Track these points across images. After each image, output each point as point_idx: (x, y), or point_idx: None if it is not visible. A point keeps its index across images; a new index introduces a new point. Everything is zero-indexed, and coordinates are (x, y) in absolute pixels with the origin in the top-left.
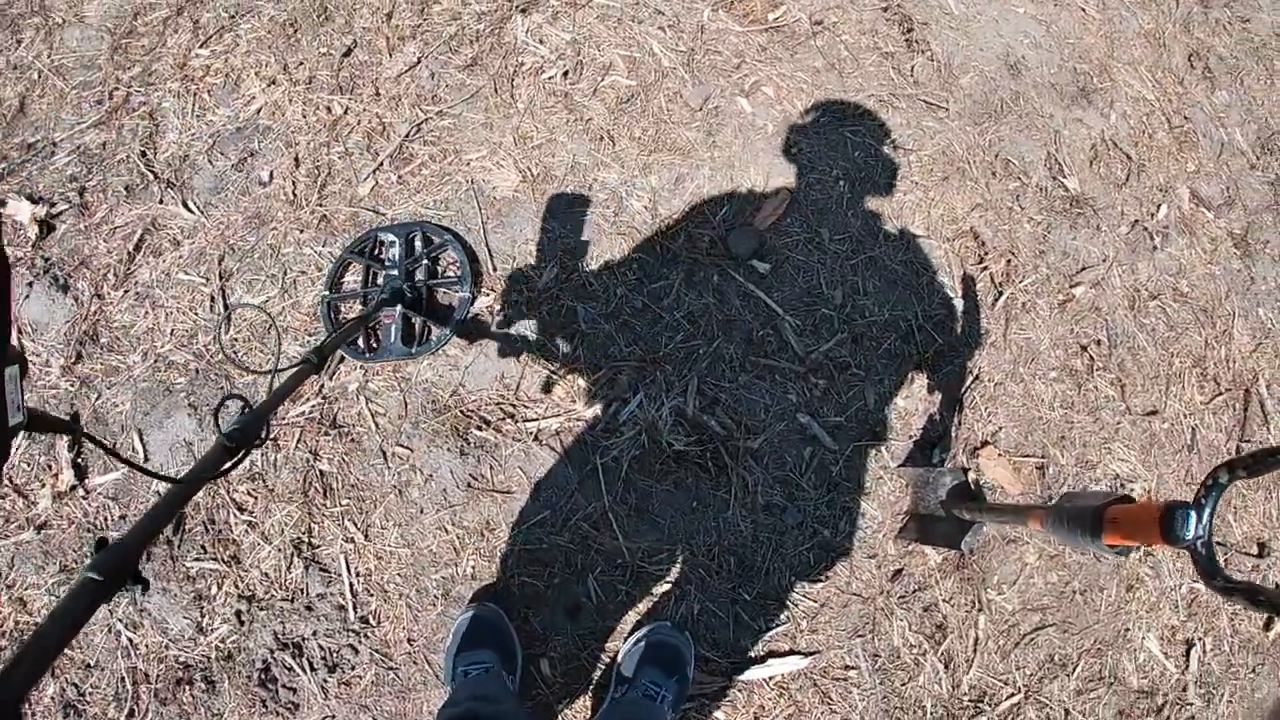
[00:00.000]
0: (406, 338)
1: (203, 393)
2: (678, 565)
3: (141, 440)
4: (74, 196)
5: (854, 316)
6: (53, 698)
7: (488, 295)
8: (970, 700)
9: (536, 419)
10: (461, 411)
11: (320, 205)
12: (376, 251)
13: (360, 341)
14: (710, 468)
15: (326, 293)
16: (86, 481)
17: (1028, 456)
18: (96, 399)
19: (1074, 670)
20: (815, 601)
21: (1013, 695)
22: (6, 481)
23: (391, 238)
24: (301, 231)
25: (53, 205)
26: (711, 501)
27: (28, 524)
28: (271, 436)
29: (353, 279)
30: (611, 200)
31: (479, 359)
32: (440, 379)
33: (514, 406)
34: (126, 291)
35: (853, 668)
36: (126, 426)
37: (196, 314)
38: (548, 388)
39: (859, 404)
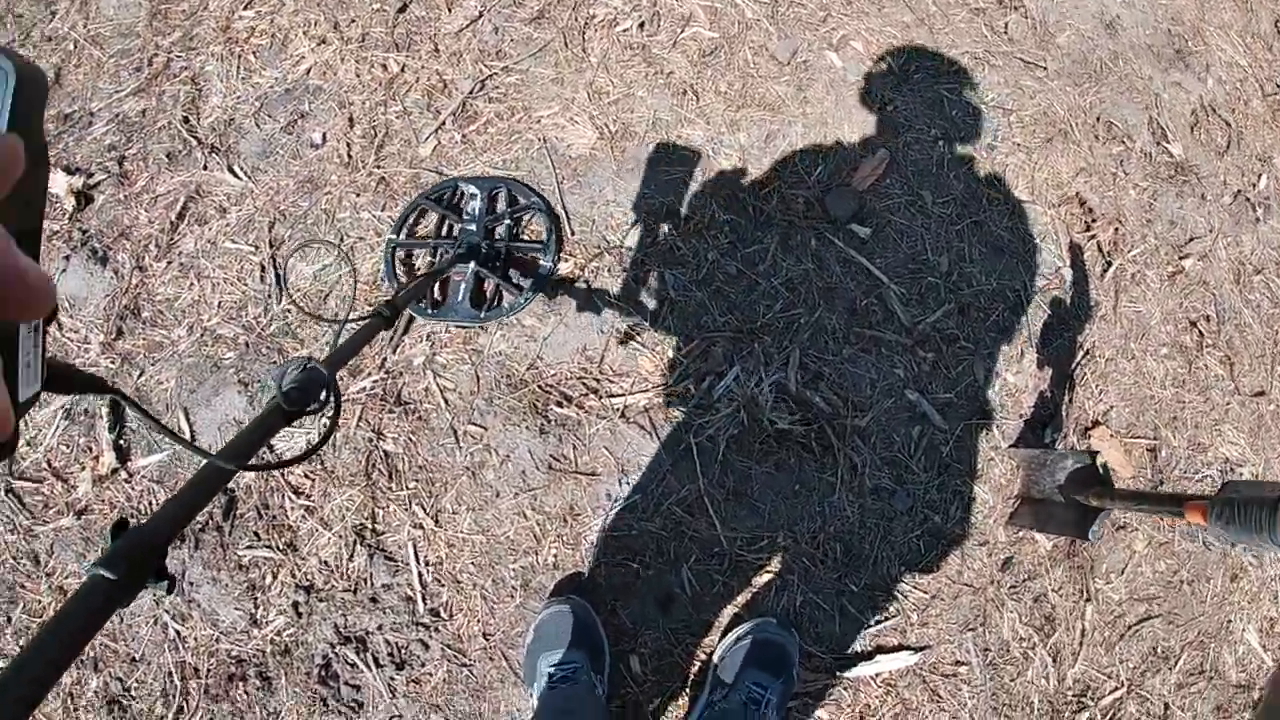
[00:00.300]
0: (475, 300)
1: (253, 369)
2: (779, 554)
3: (188, 419)
4: (113, 166)
5: (960, 285)
6: (96, 692)
7: (567, 260)
8: (1074, 695)
9: (623, 394)
10: (540, 386)
11: (378, 167)
12: (456, 201)
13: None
14: (815, 448)
15: (394, 236)
16: (129, 464)
17: (1139, 438)
18: (139, 376)
19: (1176, 663)
20: (925, 593)
21: (1115, 690)
22: (45, 466)
23: (474, 190)
24: (358, 195)
25: (90, 176)
26: (816, 485)
27: (67, 509)
28: (337, 404)
29: (412, 243)
30: (698, 158)
31: (558, 330)
32: (515, 351)
33: (598, 381)
34: (170, 263)
35: (963, 663)
36: (172, 405)
37: (246, 284)
38: (634, 361)
39: (968, 379)
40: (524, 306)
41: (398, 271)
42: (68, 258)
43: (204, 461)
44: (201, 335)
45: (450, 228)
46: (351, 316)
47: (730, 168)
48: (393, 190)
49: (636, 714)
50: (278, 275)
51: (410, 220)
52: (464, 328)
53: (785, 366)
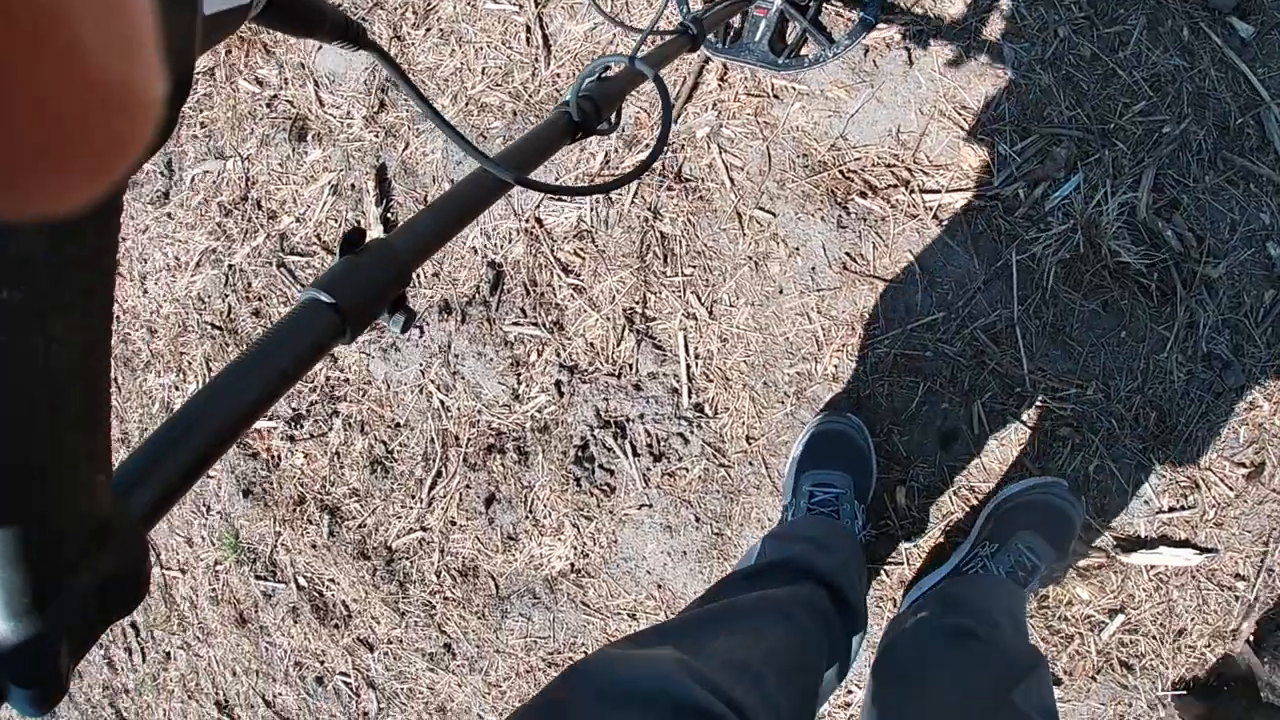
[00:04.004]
0: (774, 44)
1: None
2: (1086, 408)
3: None
4: None
5: None
6: (361, 452)
7: (887, 23)
8: None
9: (938, 191)
10: (841, 172)
11: None
12: None
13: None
14: (1154, 292)
15: None
16: None
17: None
18: (404, 149)
19: None
20: (1230, 489)
21: None
22: (314, 239)
23: None
24: None
25: None
26: (1145, 336)
27: None
28: (666, 107)
29: None
30: None
31: (868, 105)
32: (816, 128)
33: (910, 172)
34: (429, 30)
35: (1243, 578)
36: (438, 177)
37: (510, 48)
38: (956, 151)
39: None
40: (829, 61)
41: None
42: None
43: (470, 236)
44: (466, 104)
45: None
46: (656, 29)
47: None
48: None
49: (890, 547)
50: (544, 36)
51: None
52: (761, 70)
53: (1137, 186)
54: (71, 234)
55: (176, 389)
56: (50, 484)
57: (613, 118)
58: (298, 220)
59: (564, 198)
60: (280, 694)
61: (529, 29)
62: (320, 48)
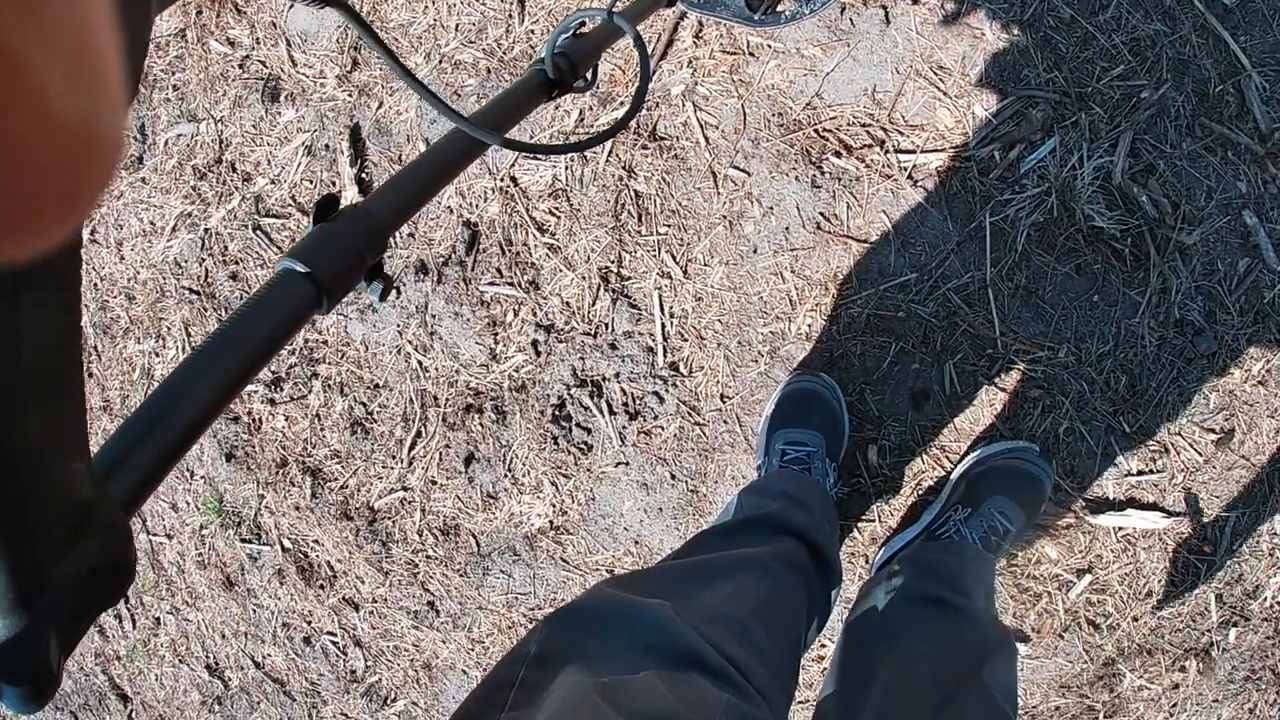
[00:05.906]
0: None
1: None
2: (1057, 370)
3: None
4: None
5: None
6: (341, 414)
7: None
8: None
9: (913, 151)
10: (816, 131)
11: None
12: None
13: None
14: (1127, 257)
15: None
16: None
17: None
18: (378, 108)
19: None
20: (1199, 455)
21: None
22: (290, 201)
23: None
24: None
25: None
26: (1117, 301)
27: None
28: (644, 62)
29: None
30: None
31: (844, 64)
32: (791, 86)
33: (885, 132)
34: None
35: (1210, 543)
36: (412, 136)
37: (484, 4)
38: (932, 112)
39: None
40: (805, 18)
41: None
42: None
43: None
44: (440, 62)
45: None
46: None
47: None
48: None
49: (863, 505)
50: None
51: None
52: (737, 26)
53: (1113, 150)
54: None
55: (156, 355)
56: (26, 475)
57: (589, 75)
58: (273, 182)
59: (540, 156)
60: (269, 655)
61: None
62: (291, 6)
